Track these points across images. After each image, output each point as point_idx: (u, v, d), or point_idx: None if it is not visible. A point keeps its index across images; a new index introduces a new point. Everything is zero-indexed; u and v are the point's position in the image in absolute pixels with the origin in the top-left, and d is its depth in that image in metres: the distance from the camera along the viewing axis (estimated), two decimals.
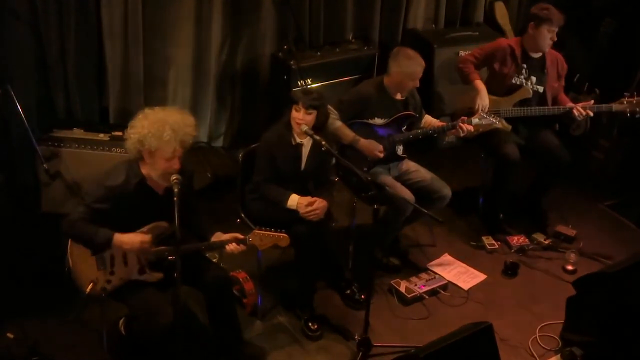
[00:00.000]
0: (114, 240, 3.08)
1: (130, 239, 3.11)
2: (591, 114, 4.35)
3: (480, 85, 4.38)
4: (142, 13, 4.47)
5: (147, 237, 3.14)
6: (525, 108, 4.40)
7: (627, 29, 5.29)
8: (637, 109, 4.32)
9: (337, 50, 5.13)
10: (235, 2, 4.79)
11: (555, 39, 4.33)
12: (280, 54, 4.96)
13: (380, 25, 5.42)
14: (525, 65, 4.42)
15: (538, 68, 4.44)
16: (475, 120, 4.11)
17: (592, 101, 4.44)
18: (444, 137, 5.26)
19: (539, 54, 4.43)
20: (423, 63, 4.01)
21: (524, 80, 4.43)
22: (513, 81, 4.43)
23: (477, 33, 5.58)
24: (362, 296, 3.95)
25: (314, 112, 3.56)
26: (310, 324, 3.76)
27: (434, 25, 5.72)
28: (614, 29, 5.16)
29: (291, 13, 4.97)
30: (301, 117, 3.56)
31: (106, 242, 3.09)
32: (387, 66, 4.06)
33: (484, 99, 4.32)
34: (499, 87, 4.44)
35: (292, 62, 4.79)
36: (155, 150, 3.04)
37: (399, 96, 4.10)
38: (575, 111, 4.34)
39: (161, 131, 3.00)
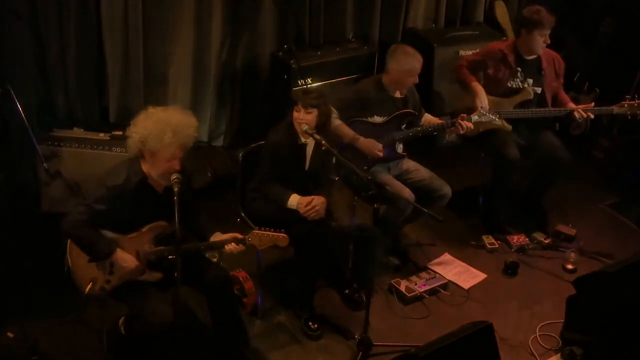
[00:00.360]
0: (114, 255, 3.11)
1: (129, 262, 3.15)
2: (592, 116, 4.35)
3: (478, 87, 4.38)
4: (142, 12, 4.47)
5: (141, 266, 3.19)
6: (526, 110, 4.39)
7: (627, 28, 5.29)
8: (638, 112, 4.32)
9: (337, 49, 5.13)
10: (235, 1, 4.79)
11: (549, 41, 4.32)
12: (280, 53, 4.96)
13: (380, 25, 5.42)
14: (520, 69, 4.41)
15: (534, 70, 4.43)
16: (475, 117, 4.11)
17: (593, 103, 4.44)
18: (444, 136, 5.26)
19: (534, 56, 4.42)
20: (421, 59, 4.01)
21: (520, 83, 4.42)
22: (509, 85, 4.42)
23: (477, 32, 5.58)
24: (362, 296, 3.95)
25: (314, 111, 3.56)
26: (310, 324, 3.76)
27: (434, 25, 5.71)
28: (614, 29, 5.16)
29: (291, 12, 4.98)
30: (301, 117, 3.56)
31: (107, 254, 3.11)
32: (385, 64, 4.06)
33: (483, 101, 4.31)
34: (496, 91, 4.43)
35: (292, 62, 4.79)
36: (156, 151, 3.05)
37: (398, 94, 4.10)
38: (576, 113, 4.34)
39: (162, 134, 3.01)
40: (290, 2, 4.94)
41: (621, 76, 5.24)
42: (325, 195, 3.64)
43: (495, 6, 5.88)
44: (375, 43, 5.36)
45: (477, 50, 4.70)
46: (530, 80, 4.42)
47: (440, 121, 4.20)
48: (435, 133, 4.28)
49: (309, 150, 3.70)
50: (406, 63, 3.96)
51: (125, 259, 3.14)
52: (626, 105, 4.34)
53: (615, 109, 4.36)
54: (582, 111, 4.33)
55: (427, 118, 4.29)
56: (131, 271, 3.18)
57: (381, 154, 3.99)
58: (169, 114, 3.10)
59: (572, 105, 4.44)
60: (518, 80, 4.42)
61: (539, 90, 4.43)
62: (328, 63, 4.99)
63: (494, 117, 4.12)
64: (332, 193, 3.83)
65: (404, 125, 4.14)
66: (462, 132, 4.08)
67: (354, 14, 5.33)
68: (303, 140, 3.67)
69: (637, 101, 4.32)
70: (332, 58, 5.03)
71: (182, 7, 4.62)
